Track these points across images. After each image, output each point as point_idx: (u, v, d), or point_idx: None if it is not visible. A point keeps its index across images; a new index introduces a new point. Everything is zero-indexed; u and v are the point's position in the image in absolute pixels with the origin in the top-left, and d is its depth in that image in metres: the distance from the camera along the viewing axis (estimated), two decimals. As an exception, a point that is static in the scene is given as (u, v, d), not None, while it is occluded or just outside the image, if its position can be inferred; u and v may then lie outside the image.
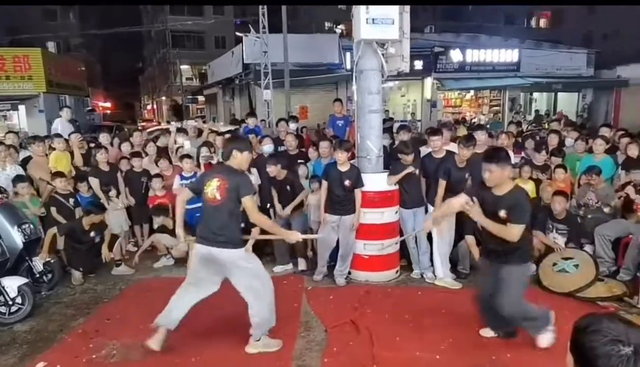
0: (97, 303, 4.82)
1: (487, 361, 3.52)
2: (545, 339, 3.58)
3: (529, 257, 3.65)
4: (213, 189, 3.53)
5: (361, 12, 4.82)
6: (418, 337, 3.90)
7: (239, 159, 3.60)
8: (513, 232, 3.29)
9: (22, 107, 17.39)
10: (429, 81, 19.72)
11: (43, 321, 4.39)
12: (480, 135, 5.61)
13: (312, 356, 3.67)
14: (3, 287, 4.28)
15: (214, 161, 6.38)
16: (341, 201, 5.11)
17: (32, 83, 17.39)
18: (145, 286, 5.29)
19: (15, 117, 17.93)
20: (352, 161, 5.32)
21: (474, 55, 19.54)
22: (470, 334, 3.91)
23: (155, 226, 6.06)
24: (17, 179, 5.67)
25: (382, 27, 4.86)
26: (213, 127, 9.07)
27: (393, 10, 4.87)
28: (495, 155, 3.36)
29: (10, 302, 4.32)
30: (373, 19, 4.83)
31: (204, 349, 3.78)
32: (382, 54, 5.18)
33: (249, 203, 3.52)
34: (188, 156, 6.24)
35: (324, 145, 6.25)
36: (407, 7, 5.15)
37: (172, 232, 5.74)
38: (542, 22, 37.34)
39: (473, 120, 18.95)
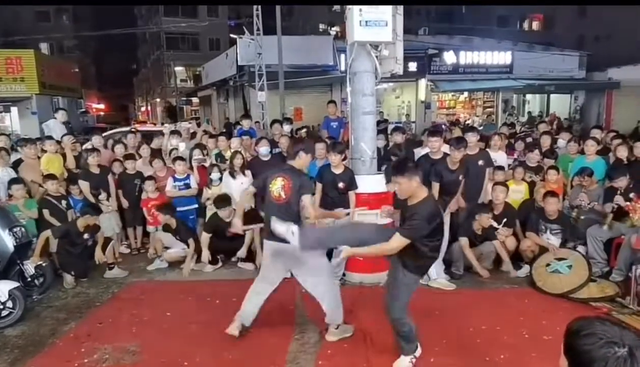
0: (89, 307, 4.78)
1: (481, 362, 3.53)
2: (399, 363, 3.44)
3: (420, 272, 3.38)
4: (278, 187, 3.76)
5: (354, 15, 4.82)
6: (412, 339, 3.89)
7: (303, 160, 3.91)
8: (391, 242, 3.09)
9: (14, 109, 17.33)
10: (423, 83, 19.79)
11: (34, 325, 4.35)
12: (472, 137, 5.63)
13: (307, 359, 3.65)
14: (-5, 293, 4.23)
15: (206, 163, 6.37)
16: (335, 203, 5.09)
17: (24, 85, 17.32)
18: (138, 289, 5.25)
19: (7, 119, 17.84)
20: (344, 162, 5.31)
21: (467, 57, 19.65)
22: (464, 335, 3.92)
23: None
24: (12, 182, 5.64)
25: (375, 29, 4.87)
26: (207, 129, 9.05)
27: (386, 12, 4.87)
28: (401, 166, 3.16)
29: (1, 307, 4.26)
30: (366, 21, 4.83)
31: (196, 352, 3.75)
32: (376, 56, 5.19)
33: (308, 201, 3.75)
34: (181, 158, 6.22)
35: (319, 147, 6.24)
36: (401, 10, 5.17)
37: (174, 232, 5.73)
38: (535, 25, 37.59)
39: (467, 122, 19.03)
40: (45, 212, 5.77)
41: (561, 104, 21.65)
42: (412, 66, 18.77)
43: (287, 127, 7.85)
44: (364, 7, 4.80)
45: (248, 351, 3.78)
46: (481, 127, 16.51)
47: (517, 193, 5.94)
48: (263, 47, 14.41)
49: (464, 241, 5.13)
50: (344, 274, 5.27)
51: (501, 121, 18.26)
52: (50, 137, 6.85)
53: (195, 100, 33.87)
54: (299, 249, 3.31)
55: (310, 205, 3.77)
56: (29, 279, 4.94)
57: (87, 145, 7.29)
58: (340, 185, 5.06)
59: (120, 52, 50.97)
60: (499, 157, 6.28)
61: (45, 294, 5.06)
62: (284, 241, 3.37)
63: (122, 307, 4.74)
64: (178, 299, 4.81)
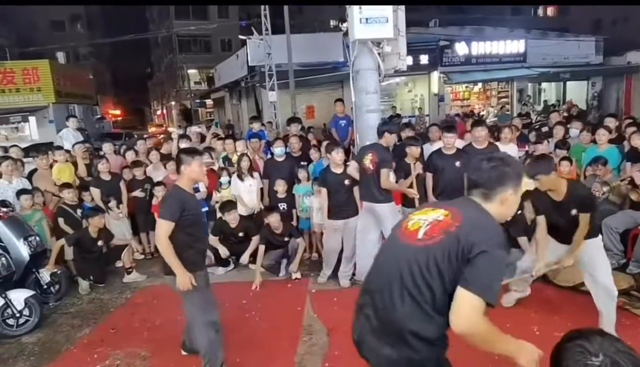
0: (103, 312, 4.88)
1: (489, 360, 3.47)
2: None
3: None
4: (367, 161, 4.73)
5: (355, 13, 4.80)
6: (420, 338, 3.86)
7: (388, 138, 4.86)
8: None
9: (32, 119, 17.69)
10: (435, 75, 19.55)
11: (50, 332, 4.46)
12: (480, 132, 5.53)
13: (314, 360, 3.66)
14: (10, 300, 4.34)
15: (215, 167, 6.41)
16: (343, 205, 5.07)
17: (41, 94, 17.68)
18: (151, 294, 5.32)
19: (26, 128, 18.22)
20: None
21: (479, 48, 19.31)
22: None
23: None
24: (20, 192, 5.78)
25: (376, 26, 4.85)
26: (216, 131, 9.12)
27: (387, 8, 4.84)
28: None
29: (18, 315, 4.39)
30: (367, 19, 4.81)
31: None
32: (379, 53, 5.16)
33: (385, 175, 4.70)
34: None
35: (325, 145, 6.24)
36: (402, 5, 5.12)
37: None
38: (550, 11, 36.78)
39: (481, 113, 18.77)
40: (61, 220, 5.91)
41: (578, 91, 21.14)
42: (424, 59, 18.55)
43: (295, 128, 7.84)
44: (364, 5, 4.77)
45: (257, 353, 3.81)
46: (496, 118, 16.29)
47: (529, 185, 5.81)
48: (273, 47, 14.41)
49: (523, 240, 4.88)
50: (353, 274, 5.25)
51: (516, 111, 17.95)
52: (59, 147, 6.99)
53: (209, 102, 34.12)
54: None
55: (386, 178, 4.67)
56: (45, 287, 5.07)
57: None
58: (346, 182, 5.03)
59: (134, 57, 51.68)
60: (510, 150, 6.13)
61: (61, 301, 5.19)
62: (374, 201, 4.80)
63: (135, 312, 4.82)
64: None
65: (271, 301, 4.85)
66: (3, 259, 4.49)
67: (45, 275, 5.10)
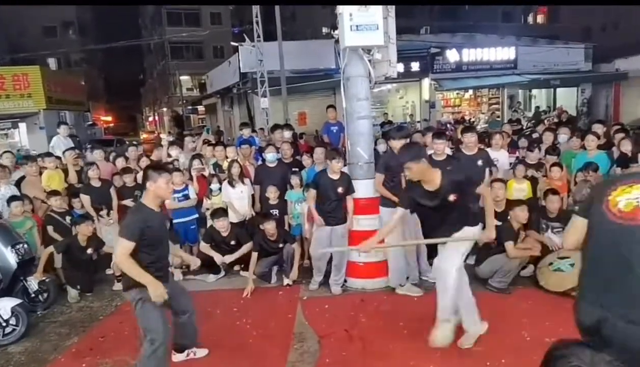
0: (93, 321, 4.82)
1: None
2: None
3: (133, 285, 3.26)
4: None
5: (345, 20, 4.81)
6: (412, 345, 3.84)
7: (394, 144, 4.91)
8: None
9: (22, 125, 17.57)
10: (426, 82, 19.69)
11: (37, 341, 4.39)
12: (470, 137, 5.58)
13: (305, 369, 3.64)
14: (-4, 310, 4.27)
15: (205, 173, 6.38)
16: (331, 211, 5.08)
17: (32, 100, 17.58)
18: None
19: (16, 134, 18.08)
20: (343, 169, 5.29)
21: (470, 55, 19.51)
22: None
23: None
24: (12, 199, 5.71)
25: (366, 33, 4.85)
26: (207, 138, 9.09)
27: (377, 16, 4.85)
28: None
29: (4, 324, 4.32)
30: (357, 26, 4.81)
31: (194, 363, 3.75)
32: (369, 60, 5.17)
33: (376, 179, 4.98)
34: (177, 169, 6.22)
35: (318, 151, 6.24)
36: (392, 12, 5.14)
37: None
38: (539, 18, 37.21)
39: (472, 120, 18.90)
40: (50, 228, 5.84)
41: (568, 98, 21.38)
42: (415, 66, 18.71)
43: (287, 133, 7.84)
44: (354, 12, 4.78)
45: (248, 360, 3.78)
46: (486, 124, 16.40)
47: (520, 192, 5.86)
48: (265, 53, 14.45)
49: (510, 245, 4.84)
50: (345, 281, 5.24)
51: (507, 117, 18.09)
52: (49, 154, 6.93)
53: (201, 108, 34.09)
54: None
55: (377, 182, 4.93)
56: (33, 295, 5.00)
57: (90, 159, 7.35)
58: (340, 190, 5.03)
59: (127, 63, 51.65)
60: (501, 156, 6.22)
61: (50, 309, 5.11)
62: None
63: (125, 320, 4.74)
64: None
65: (262, 308, 4.82)
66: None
67: (33, 283, 5.03)
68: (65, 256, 5.46)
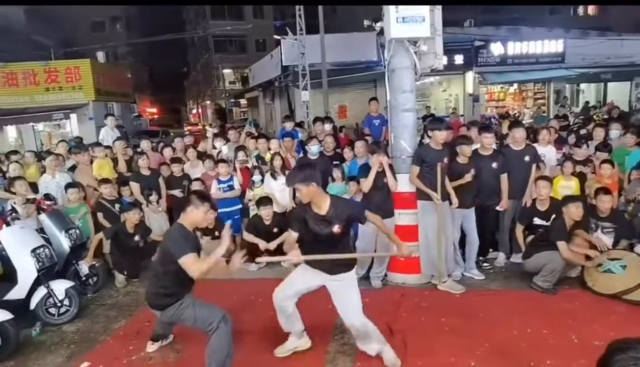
0: (139, 305, 4.98)
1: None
2: None
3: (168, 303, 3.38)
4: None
5: (391, 12, 4.76)
6: (453, 341, 3.79)
7: (437, 136, 4.83)
8: None
9: (73, 116, 18.34)
10: (470, 75, 19.22)
11: (88, 322, 4.61)
12: (517, 132, 5.41)
13: (345, 360, 3.66)
14: (52, 290, 4.51)
15: (249, 165, 6.48)
16: (379, 204, 4.89)
17: (82, 92, 18.36)
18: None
19: (68, 125, 18.93)
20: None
21: (515, 48, 18.82)
22: (508, 339, 3.78)
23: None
24: (68, 186, 6.00)
25: (412, 25, 4.78)
26: (250, 130, 9.23)
27: (423, 8, 4.77)
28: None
29: (59, 304, 4.55)
30: (403, 18, 4.75)
31: (238, 351, 3.81)
32: (415, 52, 5.09)
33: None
34: (223, 161, 6.35)
35: (359, 145, 6.20)
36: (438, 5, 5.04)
37: (212, 230, 5.87)
38: (590, 10, 35.45)
39: (516, 115, 18.29)
40: (100, 215, 6.10)
41: (620, 92, 20.29)
42: (459, 59, 18.26)
43: (327, 126, 7.85)
44: (400, 4, 4.72)
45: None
46: (531, 120, 15.85)
47: (567, 189, 5.63)
48: (307, 46, 14.49)
49: (563, 245, 4.63)
50: (385, 275, 5.21)
51: (553, 112, 17.41)
52: (98, 144, 7.23)
53: (243, 102, 34.60)
54: None
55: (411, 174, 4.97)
56: (84, 278, 5.24)
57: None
58: (385, 181, 4.90)
59: (171, 56, 52.86)
60: (548, 152, 5.99)
61: (99, 292, 5.35)
62: None
63: (170, 306, 4.92)
64: (223, 298, 4.80)
65: (303, 299, 4.82)
66: (47, 250, 4.65)
67: (84, 267, 5.27)
68: (113, 242, 5.69)
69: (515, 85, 20.41)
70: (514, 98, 20.88)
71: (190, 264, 3.18)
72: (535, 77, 19.24)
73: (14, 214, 4.85)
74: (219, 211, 6.12)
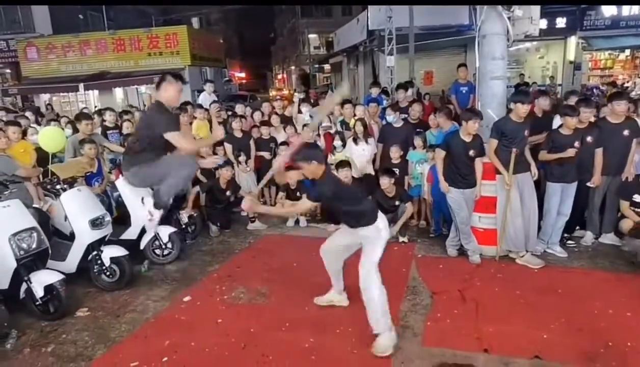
0: (230, 253, 5.53)
1: (601, 346, 3.33)
2: None
3: None
4: None
5: (484, -26, 4.60)
6: (526, 314, 3.81)
7: (519, 109, 4.60)
8: None
9: (171, 80, 19.64)
10: (572, 41, 17.62)
11: (187, 264, 5.22)
12: (620, 105, 5.02)
13: (416, 318, 3.83)
14: (158, 234, 5.13)
15: (332, 131, 6.70)
16: (463, 174, 4.85)
17: (179, 58, 19.61)
18: (271, 241, 5.93)
19: (166, 89, 20.35)
20: None
21: (632, 8, 16.83)
22: (586, 317, 3.71)
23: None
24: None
25: (507, -13, 4.60)
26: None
27: (521, -32, 4.56)
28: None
29: (164, 246, 5.18)
30: (498, -20, 4.58)
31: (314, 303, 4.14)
32: (508, 17, 4.90)
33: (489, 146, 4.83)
34: (308, 125, 6.62)
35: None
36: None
37: (294, 190, 6.34)
38: None
39: (625, 85, 16.59)
40: (197, 171, 6.69)
41: None
42: (561, 22, 16.81)
43: (410, 92, 7.76)
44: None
45: (362, 305, 4.04)
46: (643, 91, 14.33)
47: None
48: (394, 10, 14.15)
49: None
50: (461, 245, 5.22)
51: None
52: (200, 106, 7.82)
53: (327, 67, 34.71)
54: None
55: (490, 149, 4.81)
56: (183, 227, 5.85)
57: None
58: (471, 153, 4.78)
59: (260, 22, 54.07)
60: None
61: (195, 240, 5.97)
62: None
63: (256, 256, 5.41)
64: (304, 253, 5.14)
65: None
66: (154, 199, 5.27)
67: (183, 216, 5.89)
68: (208, 196, 6.28)
69: (628, 52, 18.39)
70: (623, 66, 18.85)
71: (179, 140, 4.02)
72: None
73: (127, 166, 5.51)
74: (303, 173, 6.49)
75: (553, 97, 13.89)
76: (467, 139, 4.79)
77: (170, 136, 4.02)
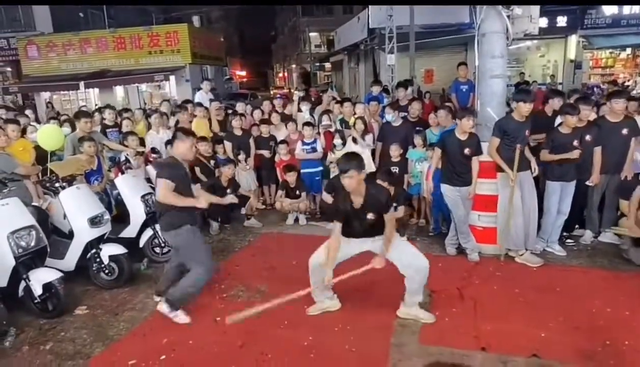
0: (230, 252, 5.55)
1: (599, 345, 3.34)
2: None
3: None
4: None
5: (484, -27, 4.60)
6: (525, 312, 3.81)
7: (521, 108, 4.60)
8: None
9: (172, 78, 19.67)
10: (573, 39, 17.60)
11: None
12: (616, 104, 5.01)
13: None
14: (157, 231, 5.12)
15: (332, 129, 6.70)
16: (460, 172, 4.88)
17: (180, 56, 19.60)
18: (270, 239, 5.94)
19: (167, 86, 20.38)
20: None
21: (633, 7, 16.81)
22: (584, 316, 3.72)
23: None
24: (169, 142, 6.62)
25: (507, -14, 4.59)
26: (332, 94, 9.40)
27: (521, -33, 4.55)
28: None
29: (163, 244, 5.19)
30: (497, -21, 4.57)
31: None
32: (508, 16, 4.90)
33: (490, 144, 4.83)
34: (308, 124, 6.63)
35: (441, 113, 6.10)
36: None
37: (293, 188, 6.34)
38: None
39: (626, 84, 16.57)
40: (197, 169, 6.69)
41: None
42: (561, 21, 16.82)
43: (409, 91, 7.75)
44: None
45: (360, 303, 4.05)
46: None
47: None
48: (395, 9, 14.15)
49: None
50: (459, 244, 5.22)
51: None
52: (200, 104, 7.83)
53: (327, 65, 34.72)
54: None
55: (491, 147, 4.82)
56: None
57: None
58: (466, 151, 4.79)
59: (260, 20, 54.05)
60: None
61: (196, 237, 5.96)
62: None
63: (256, 254, 5.42)
64: (303, 251, 5.09)
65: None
66: (153, 197, 5.20)
67: (183, 214, 5.88)
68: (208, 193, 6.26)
69: (628, 50, 18.36)
70: (624, 65, 18.84)
71: (161, 187, 3.63)
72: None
73: (127, 164, 5.54)
74: (302, 171, 6.55)
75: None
76: (463, 137, 4.83)
77: (159, 181, 3.76)
